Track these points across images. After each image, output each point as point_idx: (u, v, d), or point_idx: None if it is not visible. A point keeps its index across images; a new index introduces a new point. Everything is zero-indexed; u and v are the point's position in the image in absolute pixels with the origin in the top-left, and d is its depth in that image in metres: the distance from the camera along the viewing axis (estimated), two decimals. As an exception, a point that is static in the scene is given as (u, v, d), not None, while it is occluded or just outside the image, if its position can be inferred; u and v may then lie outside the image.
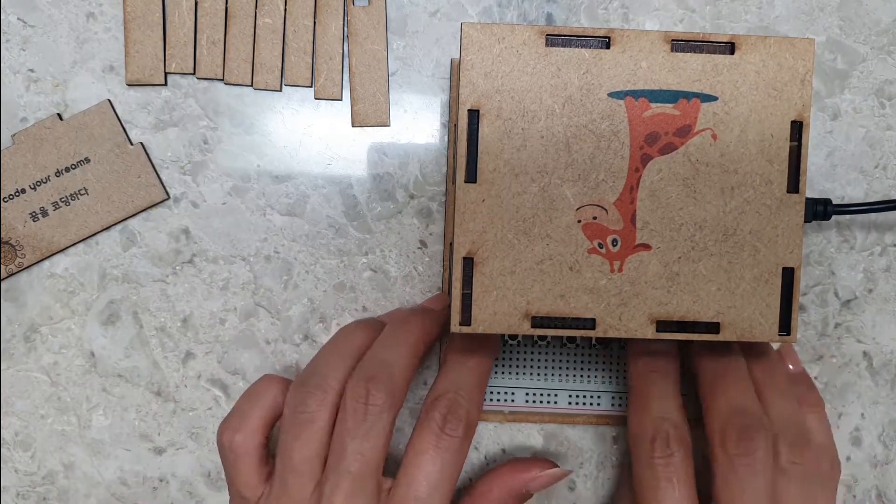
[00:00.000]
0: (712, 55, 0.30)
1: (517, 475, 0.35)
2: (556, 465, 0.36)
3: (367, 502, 0.32)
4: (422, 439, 0.32)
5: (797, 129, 0.30)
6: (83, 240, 0.38)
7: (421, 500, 0.31)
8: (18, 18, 0.38)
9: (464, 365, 0.34)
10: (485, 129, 0.30)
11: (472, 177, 0.30)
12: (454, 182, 0.31)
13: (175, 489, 0.40)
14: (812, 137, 0.39)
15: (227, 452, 0.33)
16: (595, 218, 0.30)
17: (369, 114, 0.39)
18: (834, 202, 0.36)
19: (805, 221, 0.31)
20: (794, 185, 0.30)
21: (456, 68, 0.37)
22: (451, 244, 0.32)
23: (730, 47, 0.30)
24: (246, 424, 0.33)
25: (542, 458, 0.36)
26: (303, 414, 0.32)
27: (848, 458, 0.41)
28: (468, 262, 0.30)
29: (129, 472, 0.40)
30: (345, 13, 0.38)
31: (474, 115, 0.30)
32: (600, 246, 0.30)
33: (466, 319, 0.30)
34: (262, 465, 0.34)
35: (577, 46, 0.30)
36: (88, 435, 0.39)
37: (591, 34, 0.30)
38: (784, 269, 0.30)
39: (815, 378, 0.40)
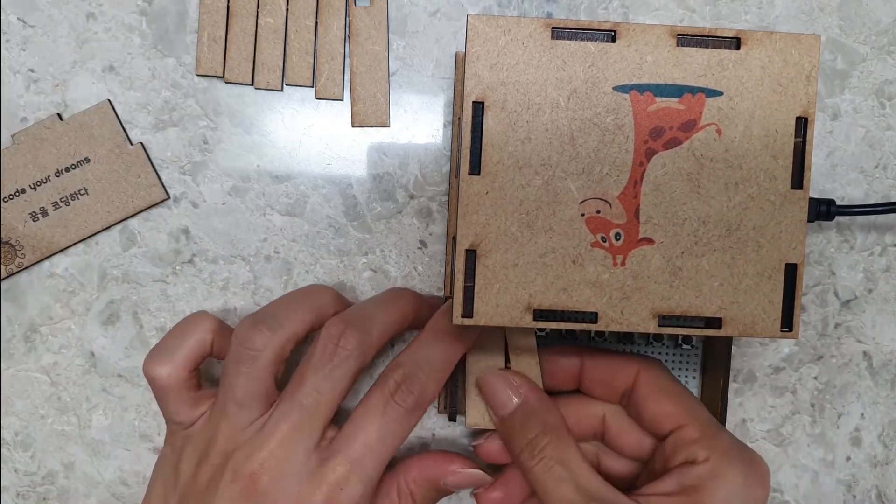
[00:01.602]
0: (718, 50, 0.30)
1: (438, 465, 0.35)
2: (479, 468, 0.35)
3: (308, 441, 0.32)
4: (370, 400, 0.33)
5: (802, 125, 0.30)
6: (83, 240, 0.38)
7: (354, 460, 0.32)
8: (18, 18, 0.38)
9: (436, 344, 0.34)
10: (489, 122, 0.30)
11: (475, 169, 0.30)
12: (458, 175, 0.31)
13: (175, 490, 0.40)
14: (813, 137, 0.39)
15: (153, 385, 0.34)
16: (598, 212, 0.30)
17: (369, 114, 0.39)
18: (837, 203, 0.36)
19: (808, 221, 0.31)
20: (798, 181, 0.30)
21: (461, 61, 0.37)
22: (454, 238, 0.32)
23: (735, 42, 0.30)
24: (171, 360, 0.34)
25: (467, 457, 0.35)
26: (249, 350, 0.32)
27: (848, 458, 0.41)
28: (471, 255, 0.30)
29: (129, 472, 0.39)
30: (346, 13, 0.38)
31: (479, 107, 0.30)
32: (603, 240, 0.30)
33: (468, 311, 0.30)
34: (192, 392, 0.34)
35: (582, 39, 0.30)
36: (88, 435, 0.39)
37: (598, 27, 0.30)
38: (787, 265, 0.30)
39: (815, 378, 0.40)
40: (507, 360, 0.36)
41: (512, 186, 0.30)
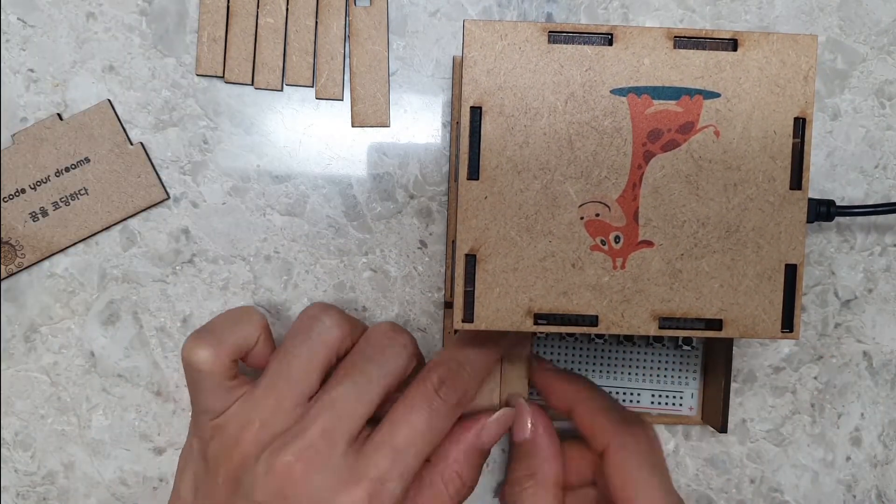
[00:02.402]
0: (715, 52, 0.30)
1: (469, 431, 0.34)
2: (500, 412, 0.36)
3: (348, 435, 0.32)
4: (413, 397, 0.32)
5: (800, 125, 0.30)
6: (83, 240, 0.38)
7: (397, 450, 0.31)
8: (18, 18, 0.38)
9: (476, 347, 0.34)
10: (487, 126, 0.30)
11: (474, 174, 0.30)
12: (457, 179, 0.31)
13: (175, 489, 0.40)
14: (812, 137, 0.39)
15: (192, 368, 0.32)
16: (598, 215, 0.30)
17: (369, 114, 0.39)
18: (837, 203, 0.36)
19: (808, 222, 0.31)
20: (796, 181, 0.30)
21: (458, 66, 0.37)
22: (454, 242, 0.32)
23: (733, 44, 0.30)
24: (218, 344, 0.33)
25: (490, 410, 0.36)
26: (318, 326, 0.32)
27: (848, 458, 0.41)
28: (471, 259, 0.30)
29: (128, 472, 0.40)
30: (346, 13, 0.38)
31: (477, 112, 0.30)
32: (603, 243, 0.30)
33: (469, 316, 0.30)
34: (229, 381, 0.33)
35: (579, 43, 0.30)
36: (88, 435, 0.39)
37: (594, 31, 0.30)
38: (787, 265, 0.30)
39: (815, 378, 0.40)
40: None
41: (511, 191, 0.30)
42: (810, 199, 0.33)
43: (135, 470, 0.40)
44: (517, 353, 0.36)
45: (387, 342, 0.33)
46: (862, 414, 0.41)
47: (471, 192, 0.30)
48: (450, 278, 0.38)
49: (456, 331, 0.35)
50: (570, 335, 0.38)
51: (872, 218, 0.40)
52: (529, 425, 0.35)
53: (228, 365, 0.33)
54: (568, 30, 0.30)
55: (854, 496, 0.41)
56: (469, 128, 0.30)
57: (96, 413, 0.39)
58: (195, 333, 0.33)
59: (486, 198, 0.30)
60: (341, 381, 0.32)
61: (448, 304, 0.38)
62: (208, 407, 0.33)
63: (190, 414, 0.39)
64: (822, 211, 0.35)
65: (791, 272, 0.30)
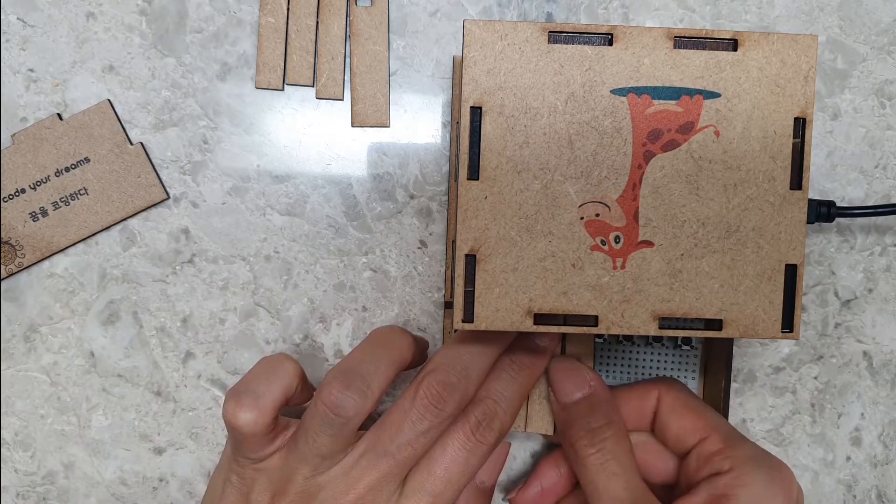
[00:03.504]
0: (715, 52, 0.30)
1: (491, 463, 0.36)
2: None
3: (394, 485, 0.32)
4: (452, 440, 0.33)
5: (800, 125, 0.30)
6: (83, 240, 0.38)
7: (436, 494, 0.32)
8: (18, 18, 0.38)
9: (512, 380, 0.34)
10: (487, 127, 0.30)
11: (474, 174, 0.30)
12: (457, 179, 0.31)
13: (175, 489, 0.40)
14: (812, 137, 0.39)
15: (235, 430, 0.33)
16: (598, 215, 0.30)
17: (369, 114, 0.39)
18: (837, 204, 0.36)
19: (809, 222, 0.31)
20: (797, 181, 0.30)
21: (458, 66, 0.37)
22: (454, 241, 0.32)
23: (733, 44, 0.30)
24: (258, 405, 0.32)
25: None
26: (339, 417, 0.32)
27: (848, 458, 0.41)
28: (471, 260, 0.30)
29: (128, 472, 0.40)
30: (347, 13, 0.38)
31: (477, 112, 0.30)
32: (603, 243, 0.30)
33: (469, 316, 0.30)
34: (271, 433, 0.33)
35: (579, 43, 0.30)
36: (88, 435, 0.39)
37: (594, 31, 0.30)
38: (787, 265, 0.30)
39: (815, 378, 0.40)
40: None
41: (511, 191, 0.30)
42: (811, 201, 0.33)
43: (135, 470, 0.40)
44: (582, 351, 0.37)
45: (432, 408, 0.33)
46: (862, 414, 0.41)
47: (471, 192, 0.30)
48: (450, 278, 0.38)
49: (455, 330, 0.35)
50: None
51: (872, 218, 0.40)
52: (582, 381, 0.35)
53: (271, 422, 0.33)
54: (568, 30, 0.30)
55: (854, 496, 0.41)
56: (469, 128, 0.30)
57: (96, 413, 0.39)
58: (235, 395, 0.33)
59: (486, 198, 0.30)
60: (393, 437, 0.32)
61: (448, 304, 0.38)
62: (249, 455, 0.33)
63: (190, 414, 0.39)
64: (823, 212, 0.35)
65: (791, 272, 0.30)
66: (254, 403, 0.32)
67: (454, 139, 0.38)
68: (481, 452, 0.33)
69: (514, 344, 0.35)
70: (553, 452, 0.37)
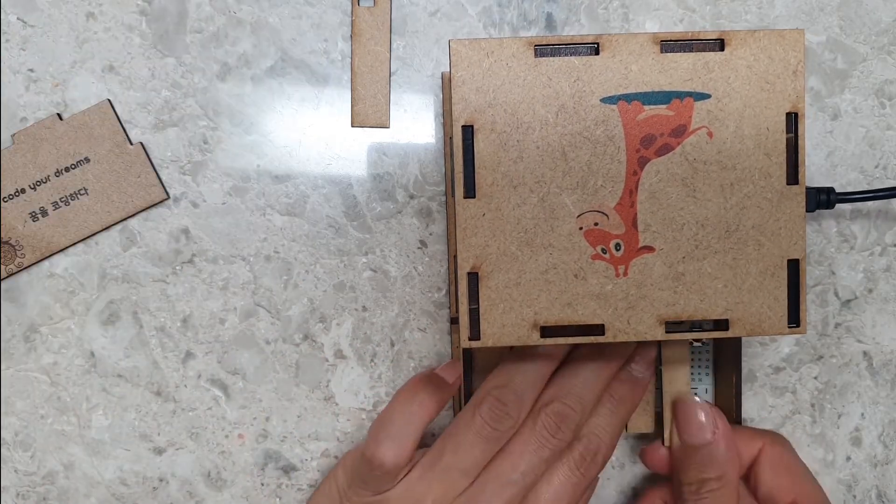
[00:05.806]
0: (702, 53, 0.30)
1: None
2: None
3: None
4: (557, 468, 0.34)
5: (793, 120, 0.30)
6: (83, 240, 0.38)
7: None
8: (18, 18, 0.38)
9: (613, 414, 0.35)
10: (480, 144, 0.30)
11: (470, 192, 0.30)
12: (453, 195, 0.31)
13: (175, 489, 0.40)
14: (812, 137, 0.39)
15: (377, 469, 0.34)
16: (596, 224, 0.30)
17: (369, 114, 0.39)
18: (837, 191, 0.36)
19: (809, 210, 0.31)
20: (793, 176, 0.30)
21: (447, 82, 0.37)
22: (455, 258, 0.32)
23: (719, 44, 0.30)
24: (401, 446, 0.34)
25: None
26: (494, 431, 0.33)
27: (848, 458, 0.41)
28: (473, 277, 0.30)
29: (128, 472, 0.40)
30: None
31: (468, 130, 0.30)
32: (604, 251, 0.30)
33: (475, 334, 0.30)
34: (408, 465, 0.35)
35: (566, 55, 0.30)
36: (88, 435, 0.39)
37: (580, 41, 0.30)
38: (789, 261, 0.30)
39: (815, 378, 0.40)
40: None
41: (508, 206, 0.30)
42: (810, 188, 0.34)
43: (135, 470, 0.40)
44: (672, 353, 0.37)
45: (549, 437, 0.34)
46: (862, 414, 0.41)
47: (468, 210, 0.30)
48: (454, 294, 0.38)
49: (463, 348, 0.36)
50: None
51: (873, 217, 0.40)
52: (709, 426, 0.35)
53: (411, 457, 0.34)
54: (554, 42, 0.30)
55: (854, 496, 0.41)
56: (462, 146, 0.30)
57: (96, 413, 0.39)
58: (377, 435, 0.34)
59: (483, 215, 0.30)
60: (515, 465, 0.34)
61: (454, 320, 0.38)
62: (381, 487, 0.34)
63: (190, 414, 0.39)
64: (823, 199, 0.35)
65: (794, 267, 0.30)
66: (396, 445, 0.34)
67: (447, 155, 0.38)
68: (584, 485, 0.34)
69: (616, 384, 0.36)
70: (661, 484, 0.38)
